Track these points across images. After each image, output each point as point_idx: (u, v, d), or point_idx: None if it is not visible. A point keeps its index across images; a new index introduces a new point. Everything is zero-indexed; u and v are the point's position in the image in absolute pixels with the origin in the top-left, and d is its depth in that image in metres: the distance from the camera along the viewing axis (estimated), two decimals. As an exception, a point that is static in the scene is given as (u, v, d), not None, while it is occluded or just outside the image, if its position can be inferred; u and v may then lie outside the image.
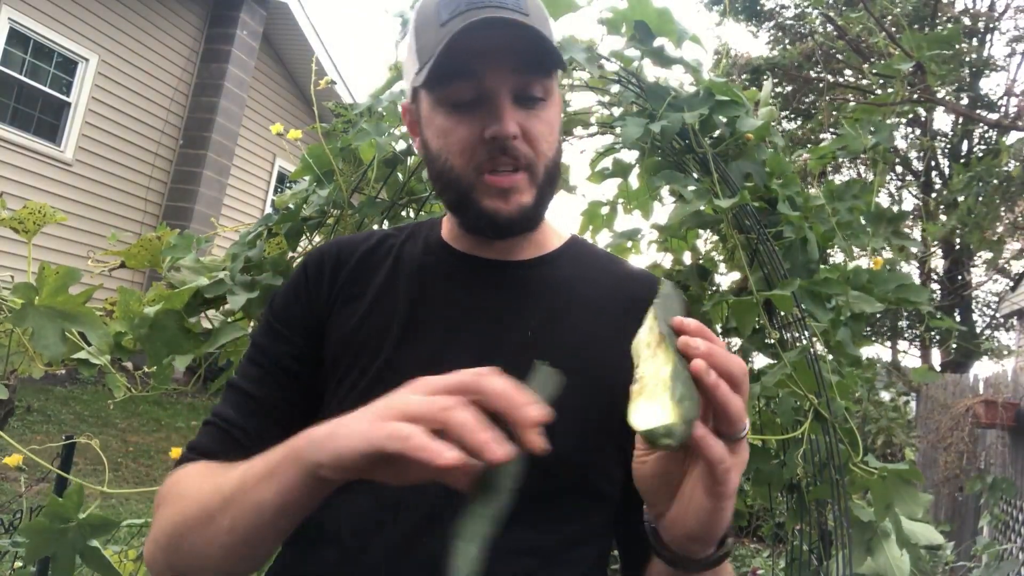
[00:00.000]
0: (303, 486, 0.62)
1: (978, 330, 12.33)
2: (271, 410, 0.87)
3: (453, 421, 0.55)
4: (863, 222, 1.59)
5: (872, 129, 1.68)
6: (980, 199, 5.86)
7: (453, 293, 0.91)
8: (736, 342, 1.62)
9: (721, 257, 1.74)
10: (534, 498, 0.63)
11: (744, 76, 10.10)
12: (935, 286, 10.69)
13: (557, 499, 0.79)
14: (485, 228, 0.88)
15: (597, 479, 0.83)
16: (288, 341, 0.90)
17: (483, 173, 0.85)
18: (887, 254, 1.75)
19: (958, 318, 10.86)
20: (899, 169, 11.35)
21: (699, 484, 0.62)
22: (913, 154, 10.96)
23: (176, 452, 1.70)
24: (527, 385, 0.61)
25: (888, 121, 1.78)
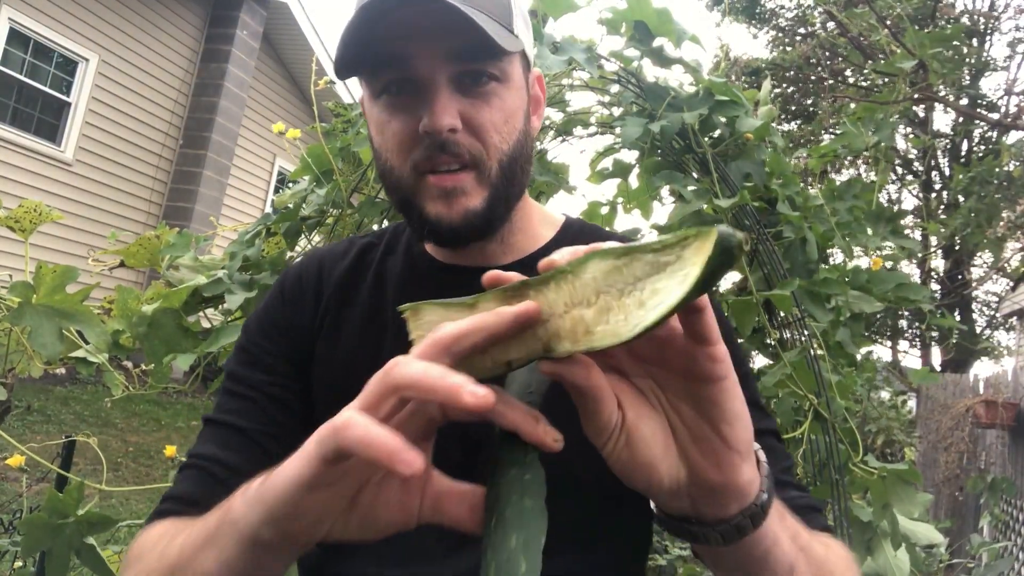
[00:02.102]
0: (246, 557, 0.50)
1: (978, 330, 12.33)
2: (258, 442, 0.78)
3: (405, 377, 0.43)
4: (862, 222, 1.59)
5: (873, 127, 1.68)
6: (982, 197, 5.86)
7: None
8: (736, 342, 1.62)
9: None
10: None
11: (744, 78, 10.11)
12: (935, 286, 10.69)
13: (574, 508, 0.69)
14: (429, 236, 0.79)
15: (613, 483, 0.75)
16: (271, 369, 0.82)
17: (424, 173, 0.75)
18: (887, 252, 1.75)
19: (958, 318, 10.86)
20: (899, 170, 11.36)
21: (690, 400, 0.48)
22: (913, 154, 10.97)
23: (171, 450, 1.70)
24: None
25: (892, 119, 1.78)
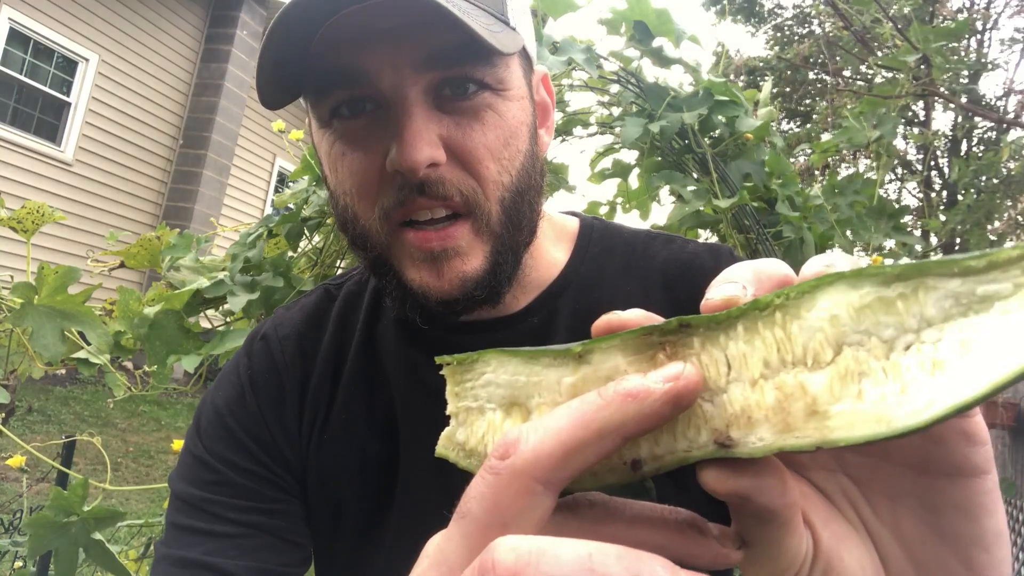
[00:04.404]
0: None
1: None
2: None
3: None
4: (864, 218, 1.60)
5: (875, 121, 1.69)
6: (980, 195, 5.88)
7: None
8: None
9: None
10: None
11: (742, 77, 10.13)
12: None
13: None
14: (413, 310, 0.60)
15: None
16: (254, 494, 0.64)
17: (399, 224, 0.57)
18: (887, 251, 1.76)
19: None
20: (899, 170, 11.38)
21: (921, 507, 0.30)
22: (913, 153, 10.99)
23: (178, 445, 1.70)
24: None
25: (892, 114, 1.79)
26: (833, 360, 0.26)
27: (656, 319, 0.30)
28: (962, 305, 0.24)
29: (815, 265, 0.28)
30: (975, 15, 10.24)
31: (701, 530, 0.29)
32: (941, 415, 0.23)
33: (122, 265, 1.68)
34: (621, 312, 0.30)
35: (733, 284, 0.28)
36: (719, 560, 0.29)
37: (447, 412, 0.33)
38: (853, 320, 0.26)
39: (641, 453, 0.29)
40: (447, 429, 0.33)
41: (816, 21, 11.17)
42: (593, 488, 0.29)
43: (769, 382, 0.27)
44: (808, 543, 0.30)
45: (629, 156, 1.73)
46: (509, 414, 0.31)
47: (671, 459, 0.28)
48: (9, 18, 6.95)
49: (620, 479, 0.29)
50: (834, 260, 0.28)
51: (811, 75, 10.52)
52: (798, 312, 0.26)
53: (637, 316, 0.30)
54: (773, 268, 0.30)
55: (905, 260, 0.26)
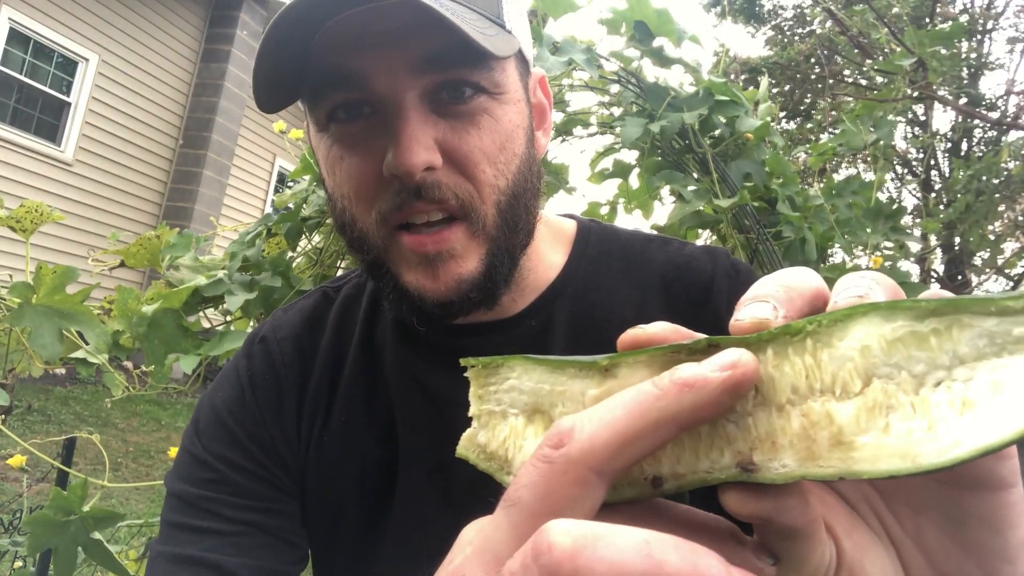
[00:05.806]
0: None
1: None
2: None
3: None
4: (862, 219, 1.59)
5: (873, 125, 1.69)
6: (980, 197, 5.88)
7: (458, 391, 0.66)
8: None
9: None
10: None
11: (743, 76, 10.13)
12: (935, 285, 10.69)
13: None
14: (409, 312, 0.61)
15: None
16: (252, 493, 0.64)
17: (396, 228, 0.58)
18: (887, 246, 1.75)
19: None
20: (898, 169, 11.38)
21: (944, 517, 0.30)
22: (912, 154, 10.99)
23: (175, 452, 1.70)
24: None
25: (889, 118, 1.79)
26: (862, 391, 0.26)
27: (683, 333, 0.30)
28: (996, 345, 0.24)
29: (850, 290, 0.28)
30: (976, 15, 10.24)
31: (740, 540, 0.29)
32: (966, 456, 0.23)
33: (122, 264, 1.68)
34: (647, 326, 0.30)
35: (763, 304, 0.28)
36: (754, 572, 0.28)
37: (469, 414, 0.33)
38: (884, 353, 0.26)
39: (662, 470, 0.29)
40: (469, 430, 0.33)
41: (816, 22, 11.19)
42: (610, 501, 0.28)
43: (796, 408, 0.27)
44: (831, 553, 0.30)
45: (629, 156, 1.73)
46: (531, 421, 0.32)
47: (692, 479, 0.28)
48: (9, 18, 6.95)
49: (639, 494, 0.29)
50: (870, 289, 0.28)
51: (812, 74, 10.52)
52: (830, 340, 0.26)
53: (663, 331, 0.29)
54: (803, 282, 0.29)
55: (945, 294, 0.25)
